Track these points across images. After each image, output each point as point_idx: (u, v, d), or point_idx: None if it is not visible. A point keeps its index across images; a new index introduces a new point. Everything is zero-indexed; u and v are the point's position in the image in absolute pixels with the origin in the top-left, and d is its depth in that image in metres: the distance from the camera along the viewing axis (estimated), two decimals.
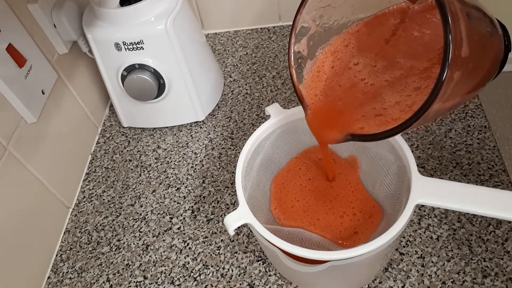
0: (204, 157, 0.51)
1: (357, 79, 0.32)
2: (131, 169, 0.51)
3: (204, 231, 0.44)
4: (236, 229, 0.42)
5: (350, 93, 0.32)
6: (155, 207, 0.47)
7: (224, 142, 0.52)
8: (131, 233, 0.45)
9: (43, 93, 0.44)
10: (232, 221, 0.31)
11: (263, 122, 0.46)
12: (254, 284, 0.39)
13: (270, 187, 0.40)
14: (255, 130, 0.40)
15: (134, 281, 0.41)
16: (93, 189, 0.49)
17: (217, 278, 0.40)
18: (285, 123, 0.40)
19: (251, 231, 0.42)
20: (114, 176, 0.50)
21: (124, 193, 0.49)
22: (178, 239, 0.44)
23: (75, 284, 0.41)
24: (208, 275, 0.40)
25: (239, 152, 0.50)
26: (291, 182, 0.40)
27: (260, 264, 0.40)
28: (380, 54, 0.32)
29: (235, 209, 0.34)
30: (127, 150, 0.53)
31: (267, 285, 0.38)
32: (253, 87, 0.58)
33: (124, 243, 0.44)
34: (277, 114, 0.39)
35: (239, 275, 0.39)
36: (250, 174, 0.37)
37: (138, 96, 0.50)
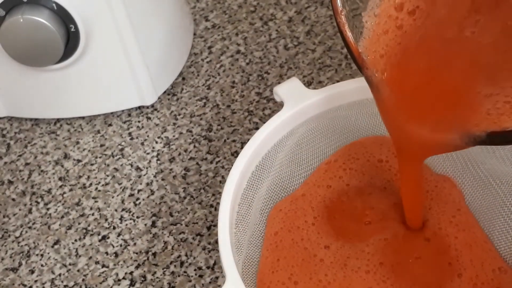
0: (154, 176, 0.51)
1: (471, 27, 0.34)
2: (13, 200, 0.52)
3: None
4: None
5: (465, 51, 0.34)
6: (59, 275, 0.47)
7: (194, 146, 0.53)
8: None
9: None
10: None
11: (271, 108, 0.42)
12: None
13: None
14: (254, 123, 0.39)
15: None
16: None
17: None
18: (314, 115, 0.41)
19: None
20: None
21: None
22: None
23: None
24: None
25: (223, 167, 0.51)
26: (294, 228, 0.42)
27: None
28: None
29: (217, 284, 0.35)
30: (6, 163, 0.54)
31: None
32: (250, 40, 0.59)
33: None
34: (296, 100, 0.41)
35: None
36: (249, 216, 0.39)
37: (28, 57, 0.50)
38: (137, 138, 0.54)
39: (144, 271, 0.47)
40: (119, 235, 0.49)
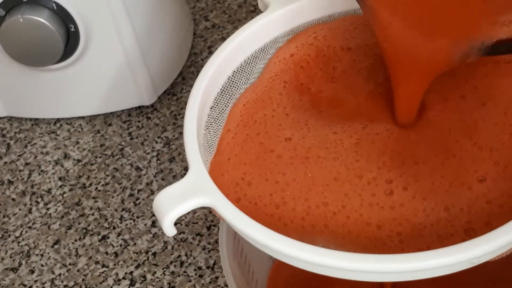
0: (154, 176, 0.52)
1: None
2: (13, 200, 0.52)
3: None
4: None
5: None
6: (59, 275, 0.47)
7: None
8: None
9: None
10: (174, 202, 0.29)
11: None
12: None
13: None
14: None
15: None
16: None
17: None
18: (302, 24, 0.38)
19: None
20: None
21: None
22: None
23: None
24: None
25: None
26: (251, 122, 0.36)
27: None
28: None
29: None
30: (6, 163, 0.54)
31: None
32: None
33: None
34: (284, 1, 0.37)
35: None
36: (221, 120, 0.36)
37: (27, 57, 0.50)
38: (137, 138, 0.54)
39: (144, 271, 0.46)
40: (119, 235, 0.48)
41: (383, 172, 0.32)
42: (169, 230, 0.29)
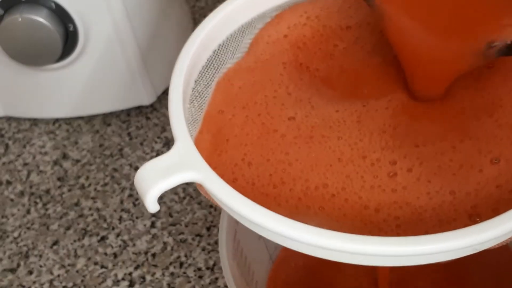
0: None
1: None
2: (12, 200, 0.52)
3: None
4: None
5: None
6: (58, 276, 0.47)
7: None
8: None
9: None
10: (158, 176, 0.27)
11: None
12: None
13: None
14: None
15: None
16: None
17: None
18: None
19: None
20: None
21: None
22: None
23: None
24: None
25: None
26: (251, 103, 0.35)
27: None
28: None
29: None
30: (4, 163, 0.54)
31: None
32: None
33: None
34: None
35: None
36: (206, 95, 0.35)
37: (26, 57, 0.50)
38: (136, 138, 0.54)
39: (144, 272, 0.47)
40: (118, 235, 0.48)
41: (386, 153, 0.31)
42: (152, 206, 0.28)
